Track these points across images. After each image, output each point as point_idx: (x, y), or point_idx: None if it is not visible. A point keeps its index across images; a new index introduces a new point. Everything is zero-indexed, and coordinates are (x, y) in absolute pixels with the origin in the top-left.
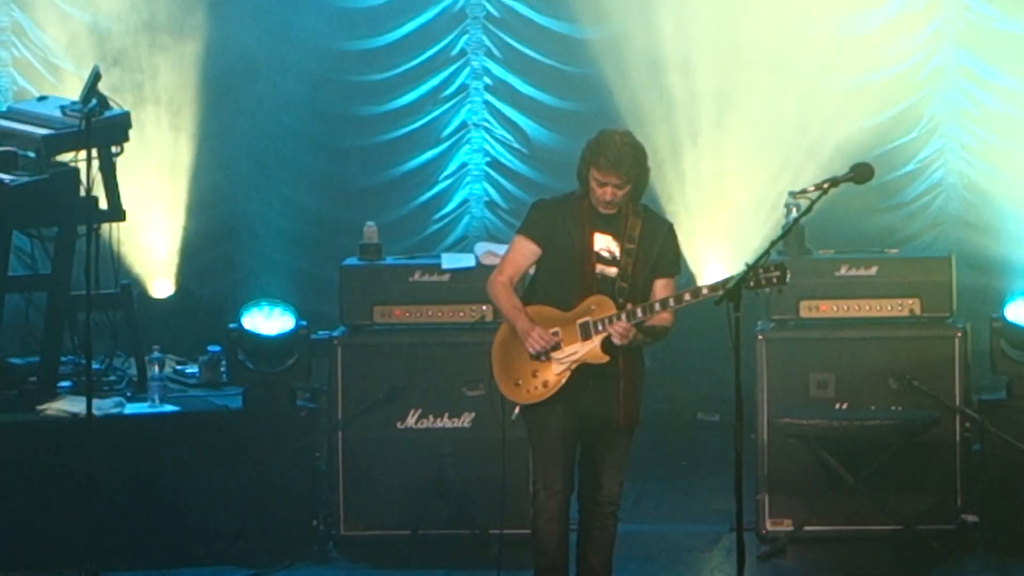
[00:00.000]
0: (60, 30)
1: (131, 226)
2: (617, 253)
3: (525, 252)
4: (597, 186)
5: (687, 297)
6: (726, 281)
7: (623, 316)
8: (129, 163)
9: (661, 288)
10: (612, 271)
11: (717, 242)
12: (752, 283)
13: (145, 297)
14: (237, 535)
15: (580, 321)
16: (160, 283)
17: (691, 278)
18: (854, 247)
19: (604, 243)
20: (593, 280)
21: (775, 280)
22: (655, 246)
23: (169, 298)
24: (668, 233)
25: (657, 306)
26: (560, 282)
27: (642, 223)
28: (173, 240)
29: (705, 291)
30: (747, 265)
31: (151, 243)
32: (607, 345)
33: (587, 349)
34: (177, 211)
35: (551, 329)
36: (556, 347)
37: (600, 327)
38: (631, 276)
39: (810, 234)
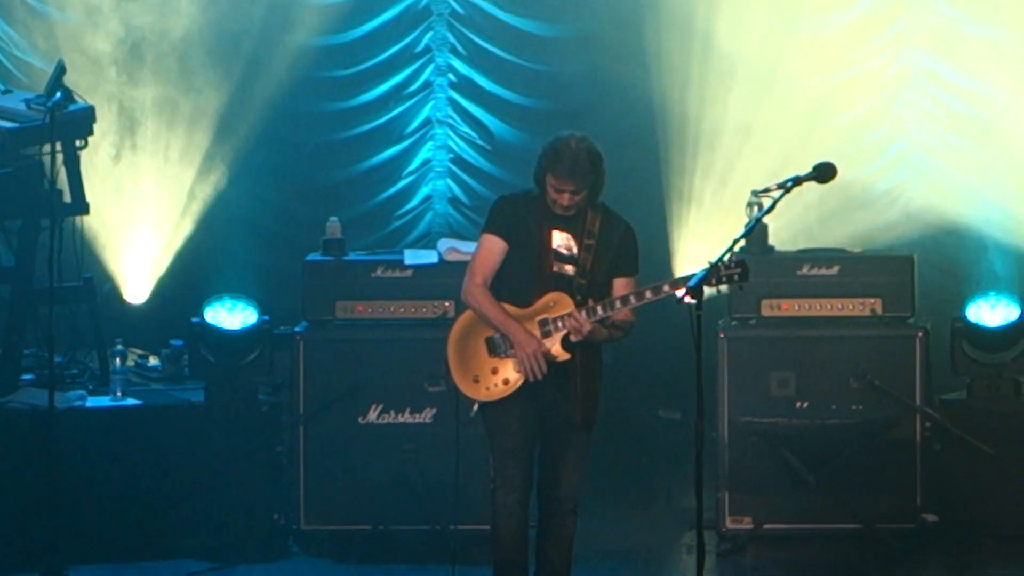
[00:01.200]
0: (26, 24)
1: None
2: (575, 250)
3: (495, 249)
4: (554, 191)
5: (648, 294)
6: (688, 278)
7: (583, 312)
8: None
9: (621, 287)
10: (570, 269)
11: (686, 238)
12: (714, 280)
13: (116, 295)
14: (198, 529)
15: (539, 318)
16: (138, 283)
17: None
18: (816, 246)
19: (562, 240)
20: (550, 278)
21: (736, 277)
22: (613, 243)
23: (140, 296)
24: (626, 232)
25: (618, 303)
26: (518, 279)
27: (601, 219)
28: (154, 240)
29: (667, 288)
30: (710, 263)
31: (125, 241)
32: (567, 342)
33: (548, 347)
34: (150, 209)
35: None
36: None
37: (560, 324)
38: (590, 272)
39: (771, 233)
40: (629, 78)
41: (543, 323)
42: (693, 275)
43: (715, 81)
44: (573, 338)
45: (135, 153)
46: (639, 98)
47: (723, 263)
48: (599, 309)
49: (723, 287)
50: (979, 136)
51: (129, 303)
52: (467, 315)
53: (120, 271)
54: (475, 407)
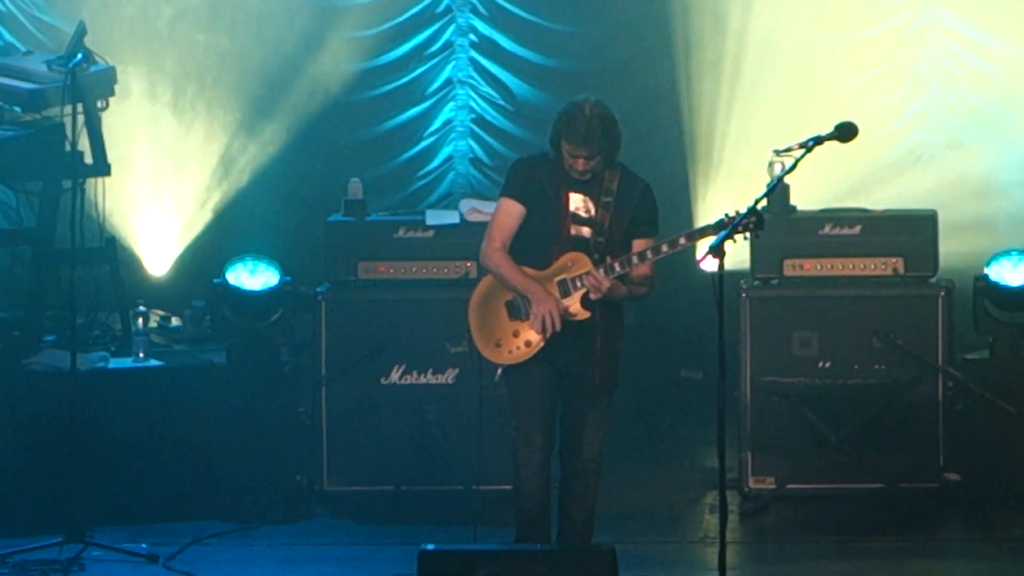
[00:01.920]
0: None
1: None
2: (593, 211)
3: (513, 213)
4: (569, 156)
5: (665, 248)
6: (703, 229)
7: (601, 270)
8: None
9: (641, 247)
10: (587, 231)
11: (707, 198)
12: (728, 229)
13: (136, 260)
14: (220, 490)
15: (558, 279)
16: (161, 247)
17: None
18: (839, 206)
19: (579, 202)
20: (568, 240)
21: (751, 226)
22: (632, 202)
23: (161, 267)
24: (645, 191)
25: (635, 258)
26: (536, 242)
27: (619, 177)
28: (176, 201)
29: (683, 241)
30: (725, 215)
31: (150, 201)
32: (587, 301)
33: (568, 306)
34: (171, 171)
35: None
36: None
37: (578, 283)
38: (607, 231)
39: (794, 192)
40: (650, 38)
41: (562, 284)
42: (708, 226)
43: (736, 42)
44: (592, 296)
45: (161, 113)
46: (661, 58)
47: (738, 213)
48: (616, 266)
49: (739, 236)
50: (1000, 93)
51: (150, 273)
52: (486, 281)
53: (137, 233)
54: (499, 371)
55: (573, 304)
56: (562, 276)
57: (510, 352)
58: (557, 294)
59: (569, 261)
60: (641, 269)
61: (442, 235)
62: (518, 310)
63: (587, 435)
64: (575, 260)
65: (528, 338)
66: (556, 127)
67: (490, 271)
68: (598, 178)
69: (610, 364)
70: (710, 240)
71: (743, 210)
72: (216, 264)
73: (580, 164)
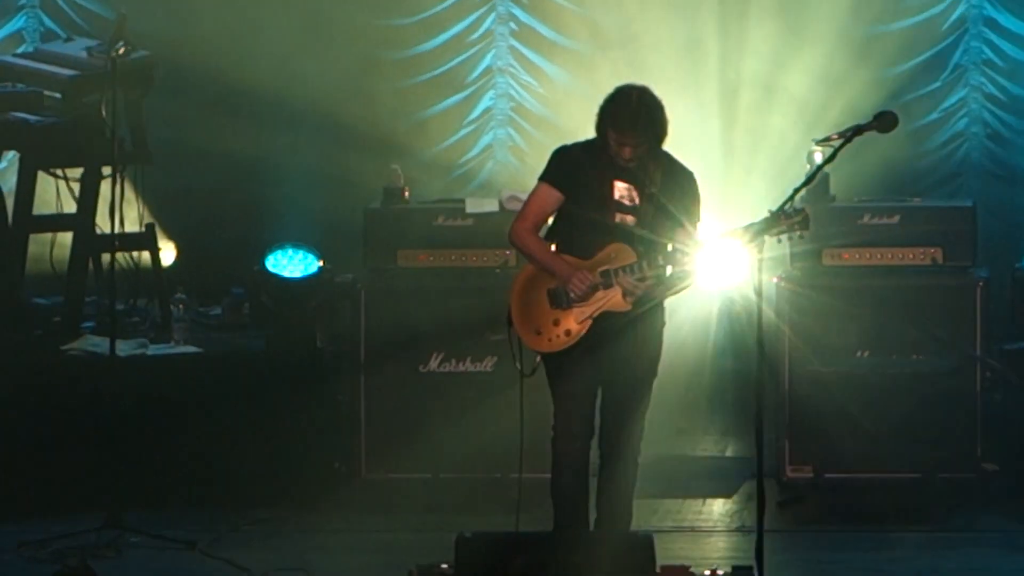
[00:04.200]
0: None
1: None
2: (637, 200)
3: (548, 199)
4: (615, 144)
5: (709, 242)
6: (747, 227)
7: (644, 264)
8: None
9: (683, 236)
10: (631, 219)
11: (738, 193)
12: (774, 229)
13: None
14: (258, 476)
15: (601, 269)
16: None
17: None
18: (877, 196)
19: (624, 191)
20: (613, 229)
21: (796, 226)
22: (676, 191)
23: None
24: (689, 181)
25: (677, 253)
26: (580, 230)
27: (664, 167)
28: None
29: (725, 237)
30: (770, 212)
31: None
32: (627, 293)
33: (609, 297)
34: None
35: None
36: (596, 288)
37: (621, 275)
38: (651, 221)
39: (833, 182)
40: (691, 27)
41: (604, 274)
42: (752, 224)
43: (771, 27)
44: (634, 291)
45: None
46: (699, 48)
47: (783, 212)
48: (659, 260)
49: (783, 235)
50: None
51: (189, 261)
52: (528, 269)
53: (176, 221)
54: (538, 359)
55: (615, 295)
56: (605, 267)
57: (550, 341)
58: (598, 280)
59: (613, 252)
60: (683, 261)
61: (481, 223)
62: (560, 299)
63: (626, 424)
64: (618, 251)
65: (568, 327)
66: (602, 115)
67: (517, 248)
68: (643, 166)
69: (651, 354)
70: (752, 235)
71: (786, 203)
72: (255, 251)
73: (626, 152)
